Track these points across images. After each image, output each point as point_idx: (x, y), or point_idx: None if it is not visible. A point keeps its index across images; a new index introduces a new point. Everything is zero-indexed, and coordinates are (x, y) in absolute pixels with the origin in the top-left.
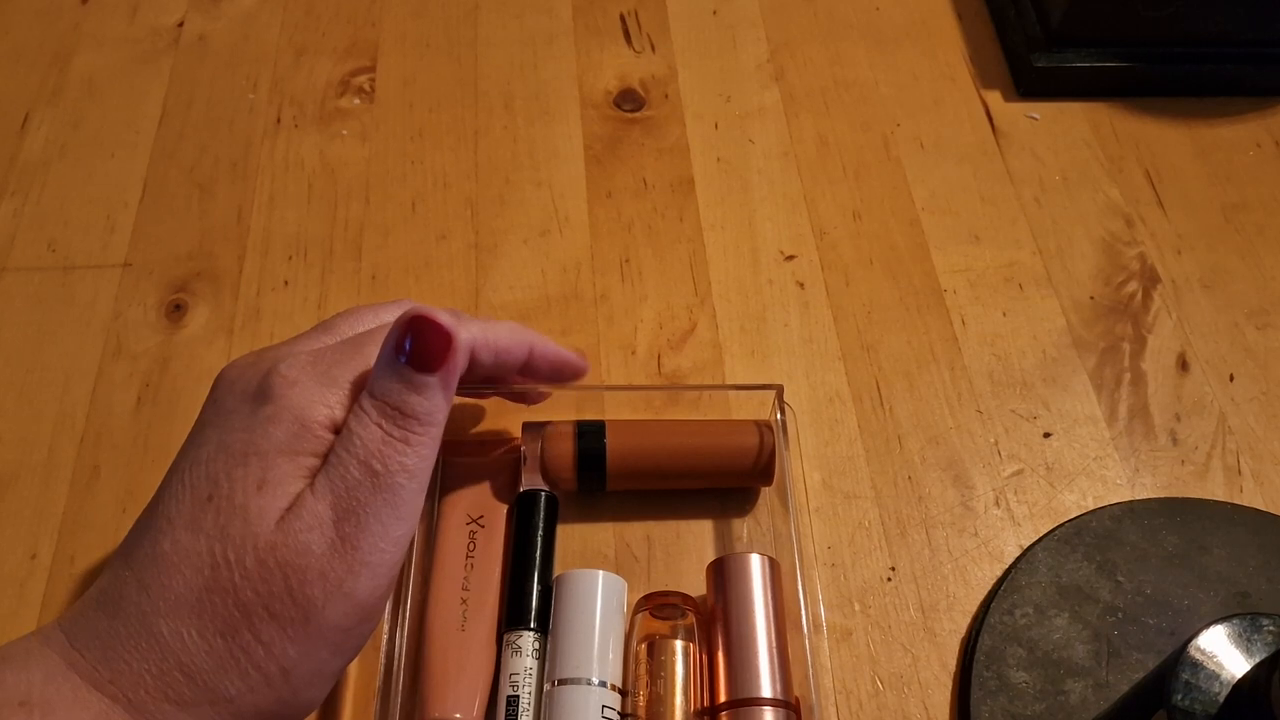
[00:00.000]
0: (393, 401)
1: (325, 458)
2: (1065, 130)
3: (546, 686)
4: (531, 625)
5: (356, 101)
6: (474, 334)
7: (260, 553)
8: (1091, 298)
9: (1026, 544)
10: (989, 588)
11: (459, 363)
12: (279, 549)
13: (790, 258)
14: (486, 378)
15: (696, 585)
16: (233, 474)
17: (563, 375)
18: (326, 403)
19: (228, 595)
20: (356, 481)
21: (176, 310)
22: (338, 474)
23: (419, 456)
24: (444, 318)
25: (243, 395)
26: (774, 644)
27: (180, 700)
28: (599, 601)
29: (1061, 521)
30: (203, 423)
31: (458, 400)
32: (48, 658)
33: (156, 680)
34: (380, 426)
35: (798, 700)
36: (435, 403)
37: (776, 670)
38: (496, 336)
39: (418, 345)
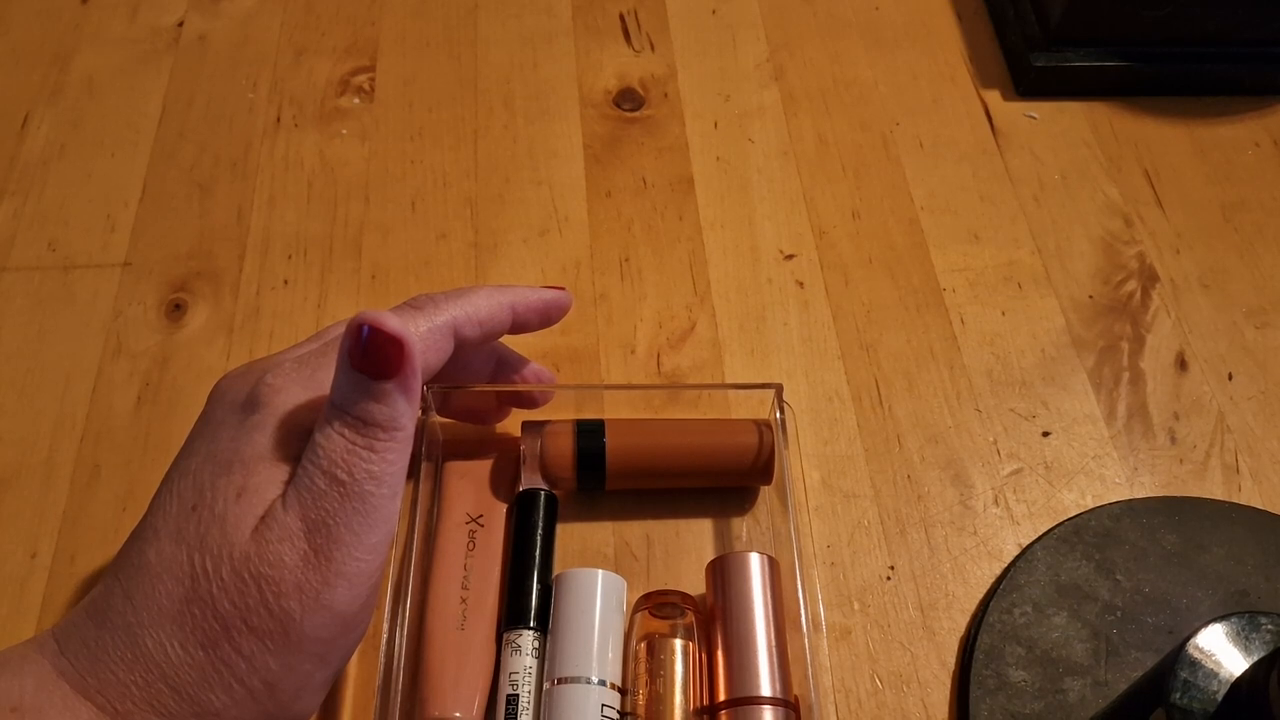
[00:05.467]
0: (353, 410)
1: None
2: (1064, 130)
3: (546, 685)
4: (531, 624)
5: (356, 101)
6: (453, 315)
7: (235, 563)
8: (1090, 297)
9: (1025, 543)
10: (988, 586)
11: (416, 366)
12: (252, 560)
13: (790, 257)
14: (485, 346)
15: (696, 584)
16: (216, 483)
17: (553, 317)
18: (312, 407)
19: (206, 606)
20: (322, 492)
21: (176, 309)
22: (304, 485)
23: (386, 463)
24: (392, 323)
25: (231, 406)
26: (773, 643)
27: (166, 712)
28: (598, 600)
29: (1060, 520)
30: (194, 435)
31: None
32: (40, 665)
33: (142, 691)
34: (343, 436)
35: (797, 699)
36: (397, 408)
37: (776, 669)
38: (476, 310)
39: (369, 353)
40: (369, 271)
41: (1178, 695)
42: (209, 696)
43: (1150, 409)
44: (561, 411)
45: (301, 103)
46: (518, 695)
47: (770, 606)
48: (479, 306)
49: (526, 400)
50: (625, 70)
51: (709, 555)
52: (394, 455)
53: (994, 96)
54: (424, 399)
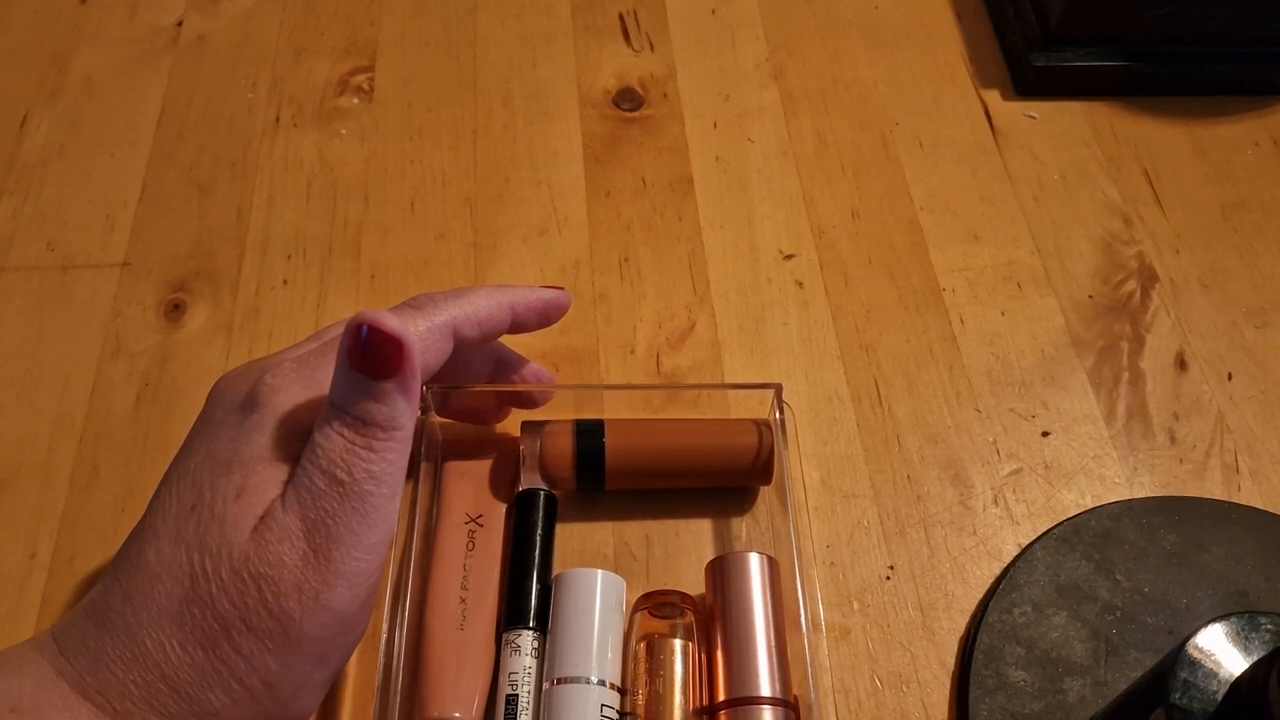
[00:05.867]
0: (353, 410)
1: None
2: (1064, 129)
3: (545, 685)
4: (531, 624)
5: (355, 101)
6: (452, 315)
7: (234, 563)
8: (1090, 297)
9: (1025, 543)
10: (987, 586)
11: (415, 365)
12: (251, 560)
13: (789, 257)
14: (483, 348)
15: (695, 584)
16: (215, 483)
17: (551, 316)
18: (311, 407)
19: (206, 606)
20: (322, 492)
21: (175, 309)
22: (304, 485)
23: (385, 462)
24: (391, 323)
25: (231, 406)
26: (773, 643)
27: (165, 712)
28: (598, 600)
29: (1060, 520)
30: (193, 435)
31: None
32: (40, 665)
33: (142, 691)
34: (343, 435)
35: (796, 699)
36: (397, 408)
37: (775, 669)
38: (475, 310)
39: (369, 353)
40: (368, 271)
41: (1177, 695)
42: (208, 696)
43: (1150, 409)
44: (561, 411)
45: (301, 103)
46: (517, 695)
47: (770, 606)
48: (478, 306)
49: (526, 400)
50: (625, 70)
51: (708, 555)
52: (393, 455)
53: (993, 96)
54: (423, 399)
